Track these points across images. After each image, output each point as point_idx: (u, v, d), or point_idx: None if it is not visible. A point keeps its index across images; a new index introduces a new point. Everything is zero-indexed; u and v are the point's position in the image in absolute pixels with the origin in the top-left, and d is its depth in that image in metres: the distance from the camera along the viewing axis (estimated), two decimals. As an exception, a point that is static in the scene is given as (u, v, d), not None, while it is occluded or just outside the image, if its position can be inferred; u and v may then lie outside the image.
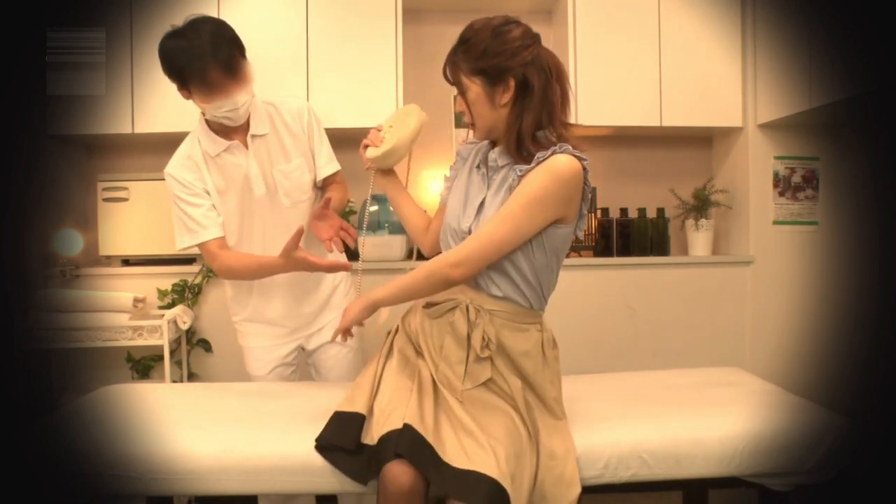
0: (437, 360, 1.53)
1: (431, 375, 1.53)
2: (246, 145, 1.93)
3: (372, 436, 1.45)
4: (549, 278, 1.57)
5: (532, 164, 1.46)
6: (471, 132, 1.59)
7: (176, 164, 1.94)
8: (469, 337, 1.51)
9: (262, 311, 2.08)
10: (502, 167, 1.55)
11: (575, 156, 1.46)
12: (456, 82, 1.51)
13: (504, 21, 1.49)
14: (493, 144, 1.59)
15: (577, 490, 1.45)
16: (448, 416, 1.45)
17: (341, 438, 1.47)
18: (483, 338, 1.50)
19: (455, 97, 1.55)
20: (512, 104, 1.49)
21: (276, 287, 2.04)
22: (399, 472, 1.34)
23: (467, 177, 1.63)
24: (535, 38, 1.50)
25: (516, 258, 1.51)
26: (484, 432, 1.41)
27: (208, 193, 1.94)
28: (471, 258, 1.48)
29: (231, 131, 1.92)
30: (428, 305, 1.59)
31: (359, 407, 1.52)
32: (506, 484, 1.32)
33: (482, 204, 1.55)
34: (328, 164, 2.05)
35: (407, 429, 1.37)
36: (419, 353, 1.60)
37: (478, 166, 1.61)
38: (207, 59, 1.74)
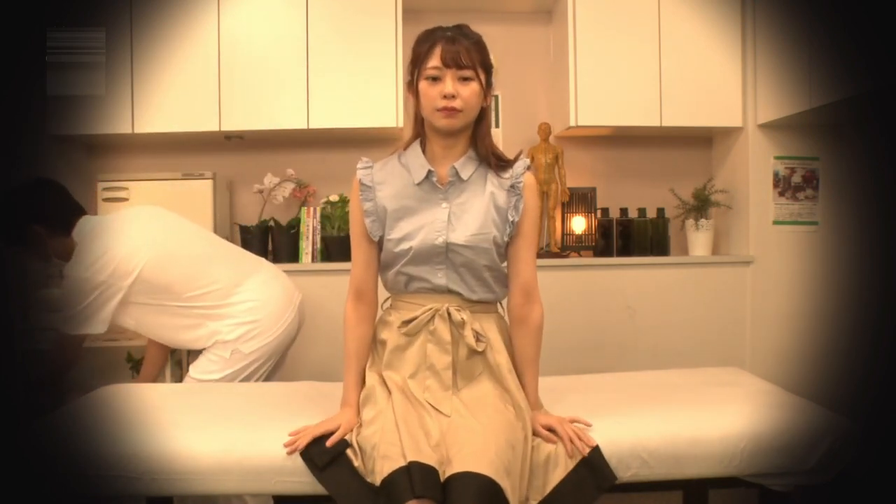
0: (424, 376, 1.54)
1: (407, 390, 1.52)
2: None
3: (373, 476, 1.41)
4: (506, 273, 1.67)
5: (521, 176, 1.58)
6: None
7: None
8: (453, 341, 1.55)
9: None
10: (468, 177, 1.57)
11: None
12: (470, 66, 1.52)
13: None
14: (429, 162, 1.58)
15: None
16: (438, 421, 1.45)
17: (313, 451, 1.48)
18: (474, 333, 1.55)
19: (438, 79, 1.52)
20: (483, 112, 1.57)
21: None
22: None
23: (407, 197, 1.59)
24: None
25: (496, 266, 1.59)
26: (474, 429, 1.41)
27: None
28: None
29: None
30: (404, 324, 1.58)
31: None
32: (499, 478, 1.31)
33: (450, 215, 1.55)
34: None
35: (414, 465, 1.34)
36: (389, 378, 1.58)
37: (420, 184, 1.57)
38: None
